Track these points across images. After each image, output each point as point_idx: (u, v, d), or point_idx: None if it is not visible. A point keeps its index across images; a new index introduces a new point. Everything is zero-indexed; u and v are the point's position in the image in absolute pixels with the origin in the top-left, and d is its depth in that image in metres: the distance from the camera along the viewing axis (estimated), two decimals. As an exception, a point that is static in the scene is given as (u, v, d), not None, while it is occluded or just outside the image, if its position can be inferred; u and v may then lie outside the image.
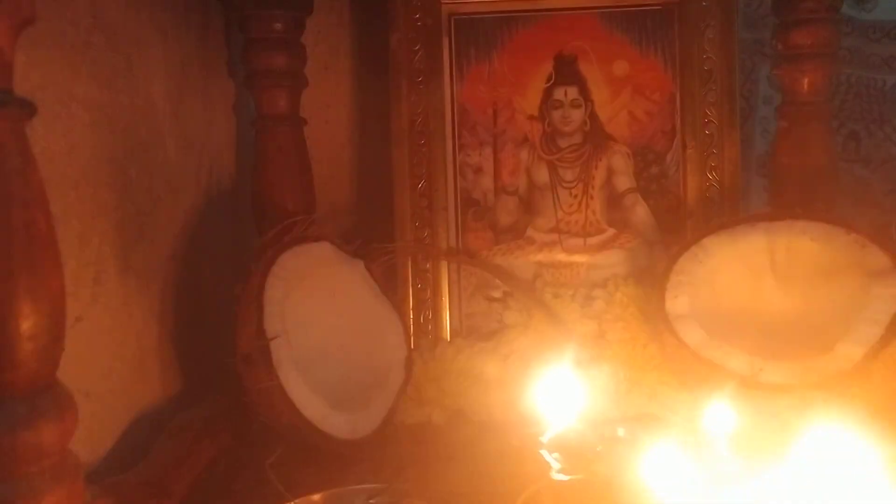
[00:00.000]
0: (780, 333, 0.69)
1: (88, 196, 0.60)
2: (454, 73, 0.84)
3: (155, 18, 0.72)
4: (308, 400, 0.67)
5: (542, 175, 0.84)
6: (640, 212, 0.84)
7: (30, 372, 0.35)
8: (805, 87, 0.79)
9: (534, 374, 0.61)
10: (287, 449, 0.66)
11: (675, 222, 0.83)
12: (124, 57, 0.66)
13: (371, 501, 0.56)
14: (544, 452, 0.52)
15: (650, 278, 0.79)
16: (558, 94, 0.84)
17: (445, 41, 0.84)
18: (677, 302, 0.71)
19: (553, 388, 0.57)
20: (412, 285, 0.84)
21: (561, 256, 0.84)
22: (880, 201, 1.10)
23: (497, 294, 0.84)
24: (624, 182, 0.84)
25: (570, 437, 0.53)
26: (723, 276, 0.73)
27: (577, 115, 0.84)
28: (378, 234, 0.84)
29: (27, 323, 0.34)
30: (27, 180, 0.35)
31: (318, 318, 0.74)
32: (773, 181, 0.83)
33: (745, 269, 0.73)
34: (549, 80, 0.84)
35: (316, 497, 0.57)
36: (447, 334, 0.83)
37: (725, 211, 0.82)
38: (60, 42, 0.57)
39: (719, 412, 0.51)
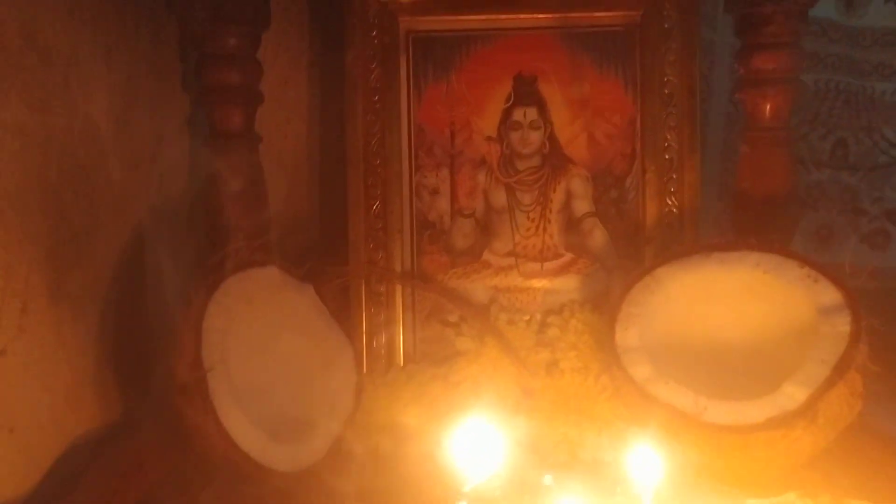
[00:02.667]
0: (730, 369, 0.68)
1: (15, 224, 0.58)
2: (411, 92, 0.83)
3: (97, 35, 0.70)
4: (246, 432, 0.65)
5: (500, 198, 0.83)
6: (599, 236, 0.83)
7: None
8: (767, 112, 0.78)
9: (457, 422, 0.59)
10: (225, 482, 0.65)
11: (634, 248, 0.82)
12: (60, 77, 0.64)
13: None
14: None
15: (607, 305, 0.78)
16: (517, 115, 0.82)
17: (403, 59, 0.82)
18: (627, 334, 0.70)
19: (476, 438, 0.56)
20: (365, 309, 0.82)
21: (517, 281, 0.83)
22: (868, 209, 1.11)
23: (453, 318, 0.83)
24: (582, 206, 0.83)
25: (493, 488, 0.51)
26: (675, 307, 0.71)
27: (535, 137, 0.82)
28: (338, 251, 0.83)
29: None
30: None
31: (262, 346, 0.73)
32: (735, 206, 0.81)
33: (698, 301, 0.71)
34: (508, 100, 0.83)
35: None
36: (401, 359, 0.82)
37: (685, 237, 0.80)
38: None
39: (646, 457, 0.50)
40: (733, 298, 0.71)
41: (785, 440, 0.60)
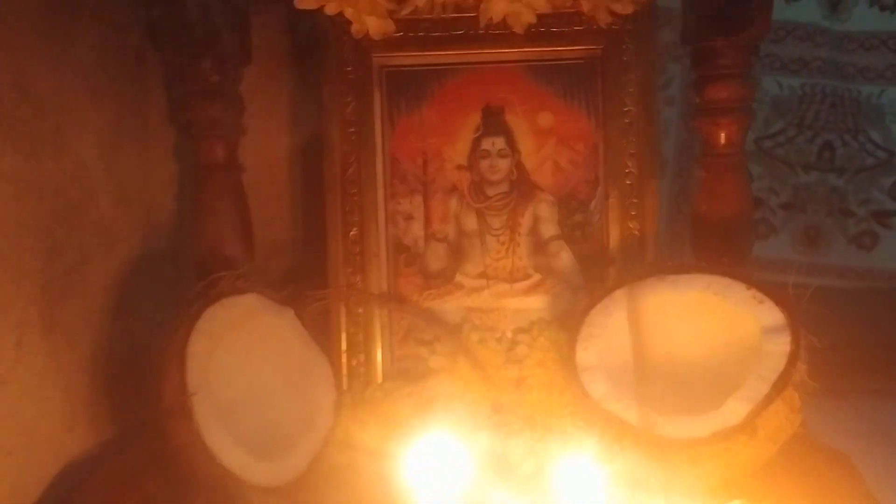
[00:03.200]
0: (682, 386, 0.72)
1: (11, 263, 0.63)
2: (385, 124, 0.87)
3: (86, 80, 0.75)
4: (228, 450, 0.70)
5: (471, 222, 0.87)
6: (565, 258, 0.87)
7: None
8: (721, 139, 0.82)
9: (428, 438, 0.64)
10: (209, 498, 0.69)
11: (598, 268, 0.86)
12: (52, 124, 0.69)
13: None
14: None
15: (572, 323, 0.82)
16: (486, 144, 0.87)
17: (377, 93, 0.87)
18: (586, 354, 0.74)
19: (444, 453, 0.60)
20: (345, 329, 0.86)
21: (488, 301, 0.87)
22: (855, 210, 1.14)
23: (428, 337, 0.87)
24: (549, 229, 0.87)
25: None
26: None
27: (504, 165, 0.87)
28: (318, 273, 0.87)
29: None
30: None
31: (244, 369, 0.77)
32: (693, 228, 0.86)
33: (652, 322, 0.76)
34: (477, 130, 0.87)
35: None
36: (379, 377, 0.86)
37: (646, 257, 0.85)
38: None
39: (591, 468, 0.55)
40: (686, 318, 0.75)
41: (728, 452, 0.65)
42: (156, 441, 0.73)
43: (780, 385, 0.65)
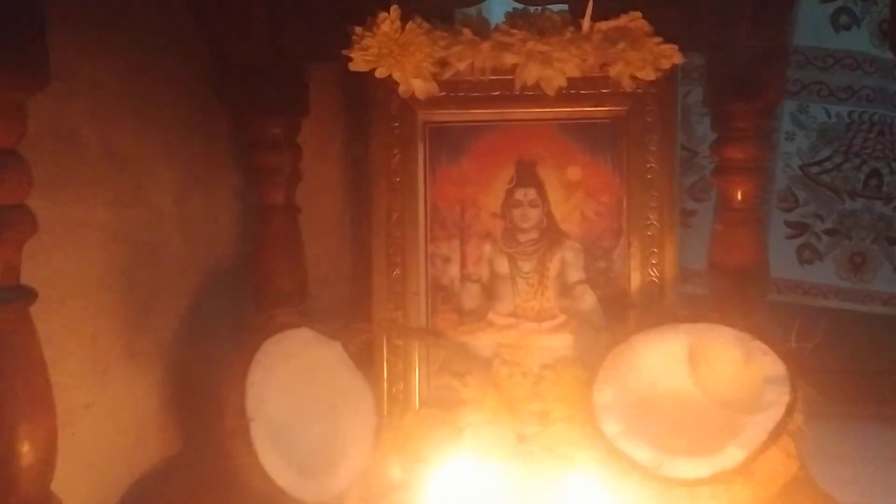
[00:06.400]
0: (690, 430, 0.78)
1: (98, 302, 0.73)
2: (427, 174, 0.94)
3: (161, 134, 0.84)
4: (281, 470, 0.78)
5: (503, 266, 0.95)
6: (589, 301, 0.94)
7: (28, 493, 0.48)
8: (738, 196, 0.88)
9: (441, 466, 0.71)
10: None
11: (619, 311, 0.92)
12: (133, 178, 0.79)
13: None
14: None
15: (594, 361, 0.89)
16: (519, 194, 0.94)
17: (420, 146, 0.94)
18: (603, 394, 0.81)
19: (457, 483, 0.68)
20: (386, 360, 0.94)
21: (517, 338, 0.94)
22: None
23: (461, 369, 0.95)
24: (575, 274, 0.94)
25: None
26: (647, 372, 0.82)
27: (534, 214, 0.94)
28: (362, 304, 0.96)
29: (25, 460, 0.47)
30: (28, 352, 0.48)
31: (296, 396, 0.85)
32: (710, 277, 0.92)
33: (666, 366, 0.82)
34: (510, 181, 0.94)
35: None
36: (416, 404, 0.94)
37: (665, 302, 0.91)
38: (73, 180, 0.70)
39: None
40: (696, 365, 0.81)
41: (727, 493, 0.72)
42: (217, 460, 0.83)
43: (776, 434, 0.71)
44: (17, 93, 0.45)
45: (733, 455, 0.71)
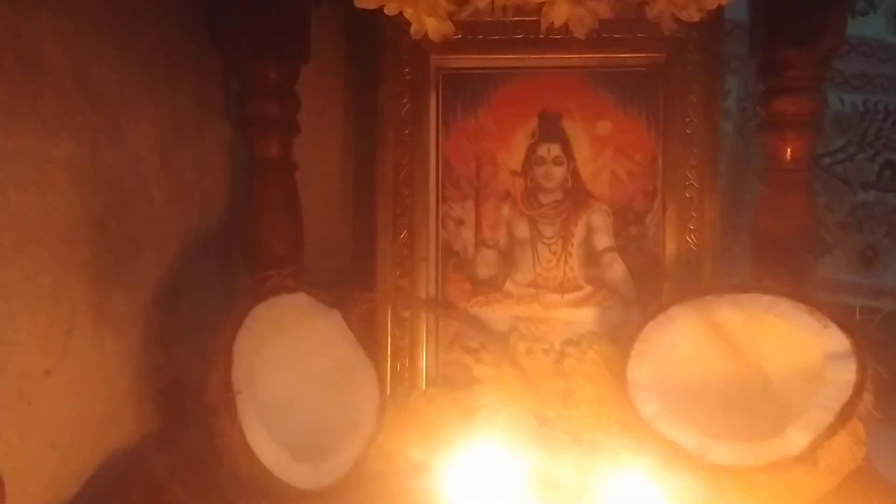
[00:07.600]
0: (737, 410, 0.70)
1: (63, 254, 0.63)
2: (440, 127, 0.86)
3: (145, 74, 0.75)
4: (270, 451, 0.69)
5: (523, 230, 0.86)
6: (618, 270, 0.85)
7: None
8: (787, 155, 0.80)
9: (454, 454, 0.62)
10: (252, 497, 0.69)
11: (652, 283, 0.84)
12: (110, 117, 0.69)
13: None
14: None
15: (624, 338, 0.80)
16: (542, 150, 0.85)
17: (433, 95, 0.86)
18: (639, 371, 0.72)
19: (488, 465, 0.59)
20: (391, 333, 0.86)
21: (538, 311, 0.85)
22: None
23: (474, 345, 0.86)
24: (603, 240, 0.85)
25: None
26: (687, 346, 0.73)
27: (559, 173, 0.85)
28: (367, 274, 0.87)
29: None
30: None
31: (289, 369, 0.77)
32: (753, 245, 0.83)
33: (709, 341, 0.73)
34: (532, 136, 0.85)
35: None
36: (423, 383, 0.85)
37: (703, 274, 0.82)
38: (40, 110, 0.60)
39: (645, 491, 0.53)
40: (743, 340, 0.73)
41: (786, 483, 0.62)
42: (199, 438, 0.73)
43: (845, 416, 0.62)
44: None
45: (795, 440, 0.62)
